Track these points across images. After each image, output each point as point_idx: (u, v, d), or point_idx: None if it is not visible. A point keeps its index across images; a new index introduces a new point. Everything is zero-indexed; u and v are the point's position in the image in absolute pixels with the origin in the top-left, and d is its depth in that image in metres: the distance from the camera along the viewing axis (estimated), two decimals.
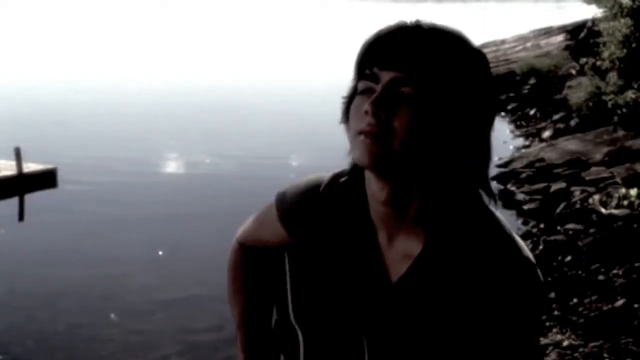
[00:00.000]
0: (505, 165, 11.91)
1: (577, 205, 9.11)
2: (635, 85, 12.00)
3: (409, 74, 1.14)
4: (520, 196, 10.69)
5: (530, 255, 1.20)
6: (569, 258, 7.40)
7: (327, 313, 1.28)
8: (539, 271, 1.18)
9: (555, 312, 6.25)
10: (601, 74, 13.38)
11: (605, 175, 10.18)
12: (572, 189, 9.99)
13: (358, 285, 1.25)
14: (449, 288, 1.17)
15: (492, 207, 1.23)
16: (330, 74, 19.65)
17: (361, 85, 1.19)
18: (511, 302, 1.14)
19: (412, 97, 1.13)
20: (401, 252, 1.22)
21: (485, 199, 1.22)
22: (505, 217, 1.23)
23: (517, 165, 11.80)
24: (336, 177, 1.32)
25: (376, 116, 1.13)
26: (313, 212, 1.33)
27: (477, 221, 1.19)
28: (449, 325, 1.16)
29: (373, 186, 1.22)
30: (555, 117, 14.90)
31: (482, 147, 1.20)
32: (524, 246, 1.20)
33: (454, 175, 1.18)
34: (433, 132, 1.14)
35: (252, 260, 1.52)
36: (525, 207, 10.18)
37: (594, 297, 6.36)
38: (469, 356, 1.16)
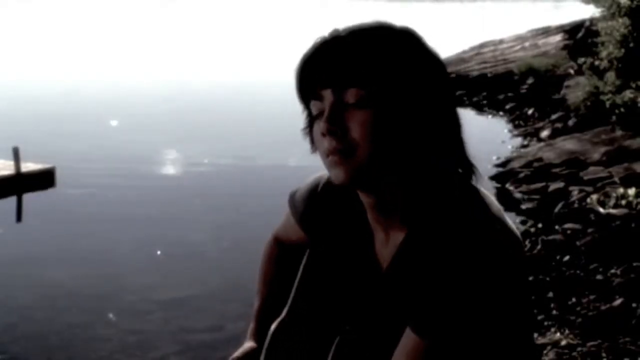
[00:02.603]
0: (503, 164, 11.91)
1: (575, 205, 9.11)
2: (634, 85, 12.02)
3: (347, 80, 1.15)
4: (518, 196, 10.69)
5: (500, 241, 1.13)
6: (567, 258, 7.40)
7: (314, 309, 1.31)
8: (504, 255, 1.12)
9: (554, 312, 6.26)
10: (599, 73, 13.40)
11: (603, 174, 10.18)
12: (570, 188, 9.99)
13: (351, 283, 1.28)
14: (423, 277, 1.15)
15: (479, 186, 1.21)
16: None
17: (313, 110, 1.22)
18: (458, 284, 1.09)
19: (358, 101, 1.14)
20: (392, 250, 1.23)
21: (474, 179, 1.21)
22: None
23: (515, 164, 11.79)
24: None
25: (333, 134, 1.15)
26: (316, 212, 1.37)
27: (452, 209, 1.17)
28: (426, 311, 1.14)
29: (360, 195, 1.24)
30: (554, 116, 14.90)
31: (448, 128, 1.18)
32: (501, 231, 1.14)
33: (429, 167, 1.18)
34: (391, 127, 1.14)
35: (282, 255, 1.56)
36: (523, 206, 10.18)
37: (592, 297, 6.37)
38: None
